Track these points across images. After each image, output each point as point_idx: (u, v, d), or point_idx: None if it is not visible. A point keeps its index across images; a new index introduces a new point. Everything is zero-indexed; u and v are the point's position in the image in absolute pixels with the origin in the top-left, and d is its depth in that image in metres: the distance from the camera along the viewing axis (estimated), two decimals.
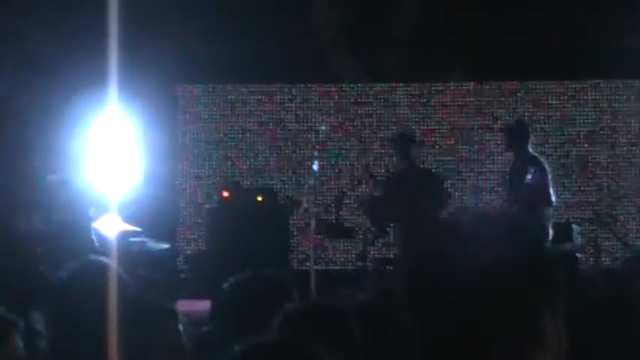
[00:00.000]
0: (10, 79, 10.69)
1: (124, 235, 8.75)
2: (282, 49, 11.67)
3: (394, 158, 10.21)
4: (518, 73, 11.89)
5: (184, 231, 11.45)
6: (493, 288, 1.63)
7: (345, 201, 10.82)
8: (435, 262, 1.69)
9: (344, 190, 11.10)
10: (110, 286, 3.44)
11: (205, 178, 11.76)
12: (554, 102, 12.03)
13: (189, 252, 10.71)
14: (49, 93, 10.89)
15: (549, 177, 9.89)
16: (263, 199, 10.51)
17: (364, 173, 10.78)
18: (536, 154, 10.01)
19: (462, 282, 1.64)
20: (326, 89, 12.17)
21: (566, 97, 12.03)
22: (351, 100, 12.10)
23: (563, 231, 10.00)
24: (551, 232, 9.58)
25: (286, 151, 11.94)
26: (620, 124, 11.97)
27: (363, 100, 12.11)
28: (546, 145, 11.29)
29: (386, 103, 12.09)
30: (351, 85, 12.18)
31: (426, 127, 12.03)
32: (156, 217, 10.53)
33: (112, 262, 3.68)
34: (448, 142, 12.11)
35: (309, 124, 12.05)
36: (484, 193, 11.62)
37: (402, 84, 12.22)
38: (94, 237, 8.21)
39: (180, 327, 3.41)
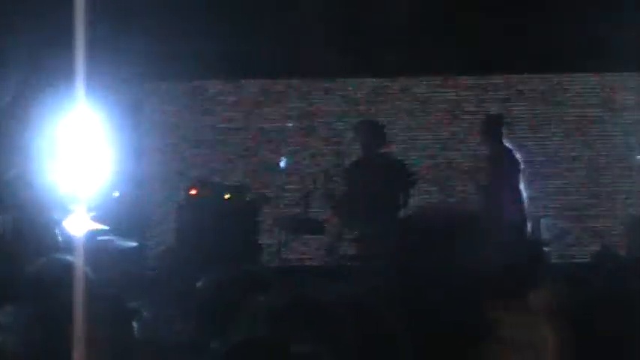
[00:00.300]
0: None
1: (92, 234, 8.74)
2: (250, 46, 11.76)
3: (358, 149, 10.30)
4: (485, 68, 11.84)
5: (152, 228, 11.39)
6: (471, 282, 1.75)
7: (313, 197, 10.85)
8: (422, 259, 1.75)
9: (312, 186, 11.11)
10: (75, 284, 3.41)
11: (173, 176, 11.69)
12: (528, 96, 11.99)
13: (157, 249, 10.73)
14: (13, 89, 10.92)
15: (522, 169, 10.00)
16: (231, 196, 10.52)
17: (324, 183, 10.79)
18: (510, 146, 10.11)
19: (445, 278, 1.73)
20: (293, 85, 12.08)
21: (538, 92, 12.01)
22: (318, 96, 12.01)
23: (534, 224, 10.11)
24: (522, 224, 9.70)
25: (254, 149, 11.88)
26: (591, 119, 11.99)
27: (329, 96, 12.03)
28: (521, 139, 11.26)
29: (349, 99, 12.03)
30: (320, 81, 12.12)
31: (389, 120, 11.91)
32: (124, 216, 10.57)
33: (78, 261, 3.66)
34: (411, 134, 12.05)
35: (278, 121, 11.97)
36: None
37: (366, 79, 12.16)
38: (60, 236, 8.23)
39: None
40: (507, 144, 10.29)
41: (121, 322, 3.50)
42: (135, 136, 11.76)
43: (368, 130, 10.02)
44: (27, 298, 3.61)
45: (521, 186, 10.14)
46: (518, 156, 10.19)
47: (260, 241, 10.75)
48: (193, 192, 10.67)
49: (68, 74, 7.85)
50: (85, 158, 9.60)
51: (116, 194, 10.75)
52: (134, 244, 9.80)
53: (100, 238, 9.34)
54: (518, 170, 10.22)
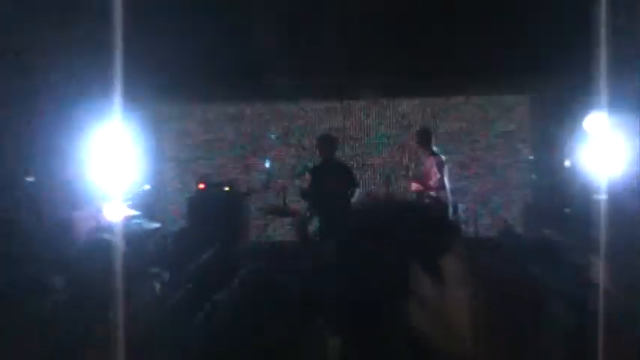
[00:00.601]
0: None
1: (127, 218, 8.78)
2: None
3: (318, 153, 10.12)
4: (421, 90, 11.81)
5: (171, 213, 11.37)
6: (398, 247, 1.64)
7: (290, 190, 10.83)
8: (357, 235, 1.72)
9: (288, 182, 11.11)
10: (115, 254, 3.42)
11: (187, 175, 11.67)
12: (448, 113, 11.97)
13: (174, 229, 10.74)
14: (50, 97, 10.71)
15: (445, 167, 10.01)
16: (229, 189, 10.53)
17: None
18: (437, 151, 10.11)
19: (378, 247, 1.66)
20: (274, 107, 12.02)
21: (453, 110, 11.98)
22: (291, 115, 11.98)
23: (454, 207, 10.13)
24: (446, 206, 9.72)
25: (246, 154, 11.88)
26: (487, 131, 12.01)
27: (301, 115, 12.00)
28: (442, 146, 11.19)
29: (316, 116, 12.00)
30: (291, 104, 12.05)
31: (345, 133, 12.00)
32: (150, 205, 10.59)
33: (117, 238, 3.71)
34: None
35: (263, 132, 11.95)
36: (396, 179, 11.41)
37: (329, 101, 12.09)
38: (104, 220, 8.21)
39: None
40: (435, 148, 10.33)
41: (146, 282, 3.59)
42: (159, 145, 11.80)
43: (326, 142, 10.05)
44: (80, 265, 3.50)
45: (445, 178, 10.17)
46: (442, 157, 10.23)
47: (250, 222, 10.86)
48: (201, 186, 10.65)
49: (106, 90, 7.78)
50: (120, 162, 9.64)
51: (147, 187, 10.74)
52: (157, 225, 9.76)
53: (133, 220, 9.29)
54: (442, 167, 10.26)
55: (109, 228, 8.10)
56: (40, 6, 10.41)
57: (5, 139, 10.50)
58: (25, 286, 2.96)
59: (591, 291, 2.00)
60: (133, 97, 9.99)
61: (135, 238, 9.10)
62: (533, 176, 11.70)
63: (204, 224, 9.81)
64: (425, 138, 10.24)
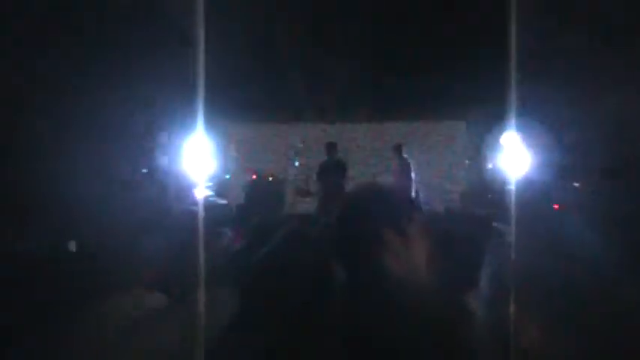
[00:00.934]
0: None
1: (207, 196, 8.76)
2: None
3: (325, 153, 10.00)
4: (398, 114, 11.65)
5: (235, 195, 11.25)
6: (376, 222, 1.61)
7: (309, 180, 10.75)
8: (350, 210, 1.72)
9: (309, 174, 11.07)
10: (199, 221, 3.25)
11: (244, 169, 11.56)
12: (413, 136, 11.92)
13: (236, 204, 10.66)
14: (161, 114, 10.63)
15: (411, 167, 9.95)
16: (272, 178, 10.49)
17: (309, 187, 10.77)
18: (406, 158, 10.07)
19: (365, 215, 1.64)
20: (297, 126, 11.93)
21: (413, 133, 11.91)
22: (308, 132, 11.93)
23: (416, 194, 10.03)
24: (411, 194, 9.64)
25: (282, 156, 11.82)
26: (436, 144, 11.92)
27: (316, 132, 11.96)
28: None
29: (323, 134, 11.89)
30: (311, 123, 11.90)
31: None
32: (221, 188, 10.48)
33: (200, 210, 3.68)
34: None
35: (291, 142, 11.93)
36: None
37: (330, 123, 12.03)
38: (192, 197, 8.19)
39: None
40: (405, 156, 10.24)
41: (218, 237, 3.34)
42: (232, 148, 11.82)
43: (330, 146, 10.05)
44: (178, 225, 3.26)
45: (412, 175, 10.13)
46: (410, 162, 10.17)
47: (285, 200, 10.84)
48: (254, 177, 10.64)
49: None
50: (208, 160, 9.65)
51: (228, 176, 10.73)
52: (225, 201, 9.80)
53: (210, 198, 9.32)
54: (410, 169, 10.22)
55: (195, 203, 8.18)
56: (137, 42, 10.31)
57: (128, 139, 10.43)
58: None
59: (501, 240, 2.00)
60: (216, 116, 10.02)
61: (211, 209, 9.17)
62: (469, 174, 11.60)
63: (255, 201, 9.80)
64: (398, 149, 10.26)
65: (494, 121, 10.37)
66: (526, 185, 8.58)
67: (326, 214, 9.02)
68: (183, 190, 9.27)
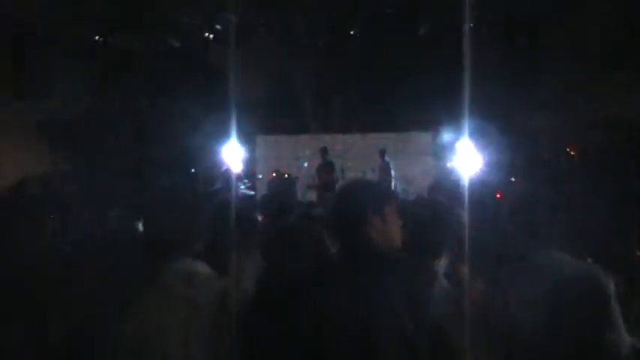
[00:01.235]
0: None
1: (243, 195, 8.77)
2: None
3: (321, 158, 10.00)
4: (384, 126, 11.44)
5: (259, 188, 11.15)
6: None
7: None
8: (342, 199, 1.64)
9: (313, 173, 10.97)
10: (231, 205, 3.16)
11: (268, 170, 11.41)
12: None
13: (260, 196, 10.60)
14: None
15: (390, 166, 9.95)
16: (287, 176, 10.47)
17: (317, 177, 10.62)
18: (388, 161, 10.08)
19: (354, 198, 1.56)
20: (305, 137, 11.76)
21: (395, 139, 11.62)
22: (314, 142, 11.55)
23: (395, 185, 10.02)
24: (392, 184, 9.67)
25: (295, 161, 11.66)
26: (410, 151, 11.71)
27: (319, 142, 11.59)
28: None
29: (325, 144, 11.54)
30: (316, 135, 11.74)
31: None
32: (254, 184, 10.54)
33: (231, 197, 3.50)
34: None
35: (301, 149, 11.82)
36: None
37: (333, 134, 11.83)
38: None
39: None
40: (386, 159, 10.28)
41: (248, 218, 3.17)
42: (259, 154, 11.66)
43: (323, 151, 10.03)
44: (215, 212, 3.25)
45: (392, 173, 10.14)
46: (390, 163, 10.20)
47: (297, 190, 10.69)
48: (274, 174, 10.61)
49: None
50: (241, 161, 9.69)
51: (260, 176, 10.73)
52: (252, 193, 9.89)
53: (243, 192, 9.43)
54: (390, 168, 10.24)
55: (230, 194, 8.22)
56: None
57: (178, 146, 10.46)
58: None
59: (458, 221, 1.96)
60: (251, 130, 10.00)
61: (242, 197, 9.19)
62: (434, 172, 11.55)
63: (275, 192, 9.78)
64: (382, 153, 10.28)
65: (453, 131, 10.45)
66: (476, 179, 8.60)
67: (323, 201, 9.09)
68: (225, 183, 9.33)
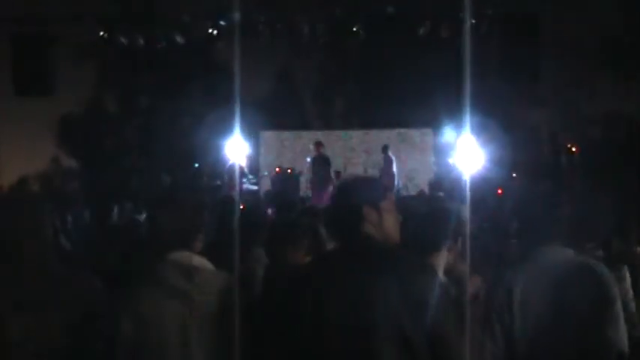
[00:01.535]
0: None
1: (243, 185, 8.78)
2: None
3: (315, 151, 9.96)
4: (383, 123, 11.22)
5: (265, 184, 10.96)
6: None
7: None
8: (340, 195, 1.60)
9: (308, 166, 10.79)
10: (236, 204, 3.17)
11: (272, 166, 11.30)
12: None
13: (265, 191, 10.50)
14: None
15: (393, 161, 9.94)
16: (291, 171, 10.46)
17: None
18: (390, 155, 10.09)
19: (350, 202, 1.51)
20: (308, 134, 11.52)
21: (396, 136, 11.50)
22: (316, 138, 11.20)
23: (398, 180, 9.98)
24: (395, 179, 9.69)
25: (300, 157, 11.39)
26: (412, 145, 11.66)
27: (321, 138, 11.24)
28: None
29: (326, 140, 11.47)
30: (318, 131, 11.45)
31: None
32: (258, 180, 10.39)
33: (236, 196, 3.59)
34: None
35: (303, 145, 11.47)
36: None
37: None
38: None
39: None
40: (389, 154, 10.25)
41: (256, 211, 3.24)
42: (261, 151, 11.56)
43: (318, 144, 10.02)
44: (225, 202, 3.21)
45: (393, 167, 10.14)
46: (392, 158, 10.16)
47: (299, 185, 10.53)
48: (277, 170, 10.60)
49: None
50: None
51: (265, 173, 10.71)
52: (256, 188, 9.88)
53: (249, 186, 9.49)
54: (392, 162, 10.21)
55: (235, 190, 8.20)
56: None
57: (182, 142, 10.40)
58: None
59: (458, 217, 1.93)
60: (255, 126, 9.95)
61: (246, 193, 9.20)
62: (435, 168, 11.45)
63: (279, 187, 9.78)
64: (385, 148, 10.28)
65: (455, 128, 10.41)
66: (478, 175, 8.59)
67: (316, 197, 9.13)
68: (230, 180, 9.31)
